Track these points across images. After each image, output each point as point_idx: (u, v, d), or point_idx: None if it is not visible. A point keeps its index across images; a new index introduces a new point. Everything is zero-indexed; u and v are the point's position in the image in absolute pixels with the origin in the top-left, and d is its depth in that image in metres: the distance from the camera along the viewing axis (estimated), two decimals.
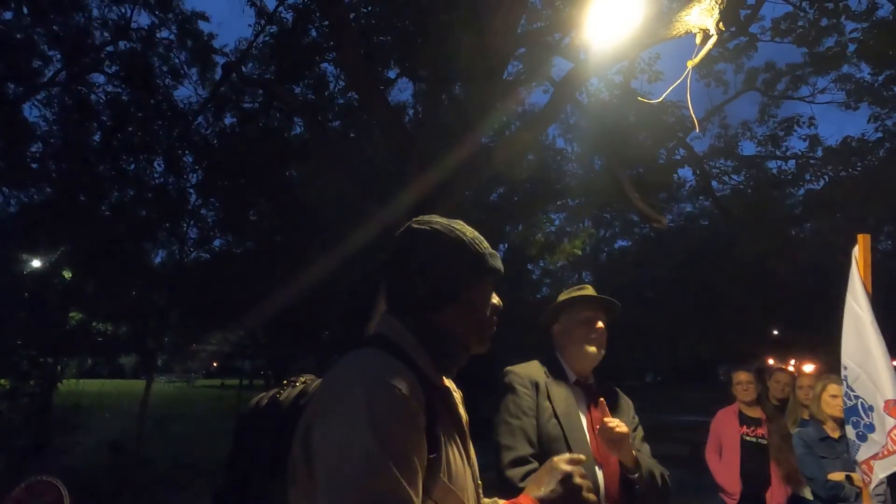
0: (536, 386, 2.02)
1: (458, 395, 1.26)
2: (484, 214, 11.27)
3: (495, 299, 1.24)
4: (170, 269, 10.49)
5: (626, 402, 2.20)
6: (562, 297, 2.21)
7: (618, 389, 2.25)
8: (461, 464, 1.11)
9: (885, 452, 2.65)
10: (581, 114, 9.77)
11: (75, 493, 3.46)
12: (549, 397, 2.00)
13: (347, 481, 0.91)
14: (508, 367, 2.10)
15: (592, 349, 2.08)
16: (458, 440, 1.14)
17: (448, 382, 1.24)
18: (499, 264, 1.24)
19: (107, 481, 7.17)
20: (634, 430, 2.14)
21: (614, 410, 2.13)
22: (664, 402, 25.37)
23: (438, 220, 1.23)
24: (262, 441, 1.12)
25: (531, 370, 2.08)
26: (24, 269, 8.95)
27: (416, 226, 1.22)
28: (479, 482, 1.24)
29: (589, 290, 2.19)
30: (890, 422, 2.65)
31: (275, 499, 1.06)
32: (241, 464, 1.14)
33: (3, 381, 7.39)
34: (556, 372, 2.11)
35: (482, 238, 1.25)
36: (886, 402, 2.68)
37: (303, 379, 1.22)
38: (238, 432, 1.19)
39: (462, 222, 1.26)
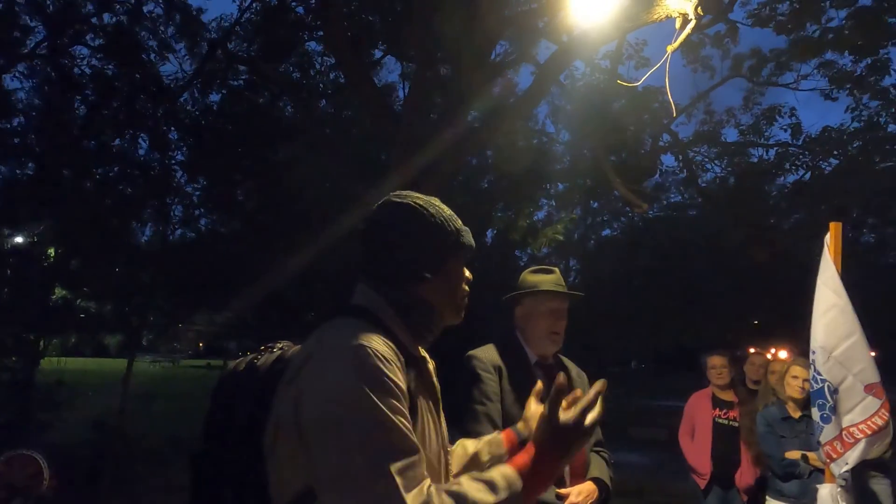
0: (499, 370, 2.08)
1: (431, 364, 1.31)
2: (471, 199, 11.28)
3: (467, 273, 1.30)
4: (155, 247, 10.40)
5: (583, 379, 2.28)
6: (528, 277, 2.24)
7: (574, 365, 2.32)
8: (433, 431, 1.16)
9: (871, 428, 2.72)
10: (567, 99, 9.78)
11: (57, 467, 3.47)
12: (511, 380, 2.07)
13: (350, 444, 0.94)
14: (471, 352, 2.15)
15: (555, 338, 2.16)
16: (432, 408, 1.19)
17: (422, 352, 1.29)
18: (471, 241, 1.30)
19: (89, 457, 7.18)
20: None
21: (573, 388, 2.18)
22: (647, 388, 25.75)
23: (417, 196, 1.27)
24: (239, 405, 1.14)
25: (492, 354, 2.13)
26: (7, 245, 8.86)
27: (396, 199, 1.26)
28: (449, 450, 1.30)
29: (556, 275, 2.23)
30: (875, 402, 2.75)
31: (249, 462, 1.07)
32: (217, 427, 1.16)
33: None
34: (517, 353, 2.17)
35: (456, 216, 1.31)
36: (869, 385, 2.76)
37: (280, 345, 1.25)
38: (215, 396, 1.21)
39: (438, 200, 1.30)
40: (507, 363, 2.10)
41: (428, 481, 0.97)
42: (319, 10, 5.68)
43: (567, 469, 1.98)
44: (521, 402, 2.01)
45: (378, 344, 1.04)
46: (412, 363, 1.13)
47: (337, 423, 0.96)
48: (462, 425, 2.02)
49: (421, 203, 1.25)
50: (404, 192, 1.29)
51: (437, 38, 5.16)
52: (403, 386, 1.04)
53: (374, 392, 0.97)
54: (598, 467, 2.04)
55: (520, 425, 1.47)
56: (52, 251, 9.09)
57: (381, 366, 1.00)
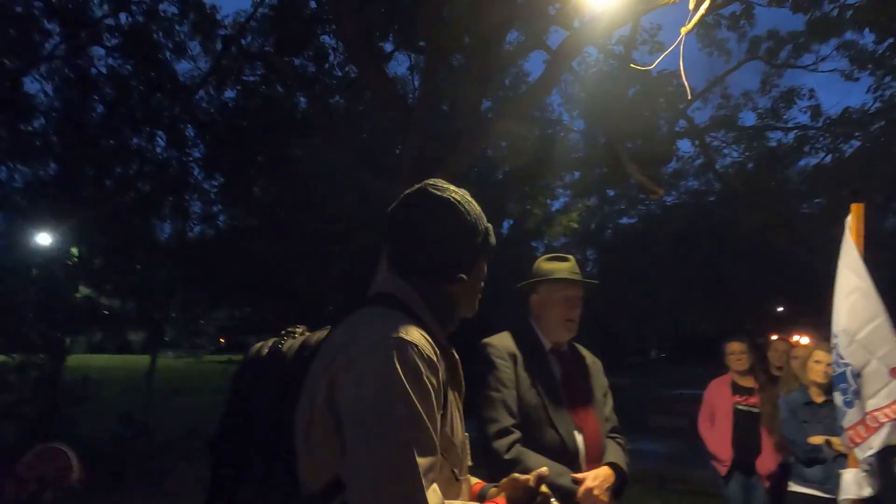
0: (514, 357, 2.09)
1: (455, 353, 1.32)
2: (486, 189, 11.24)
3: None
4: (175, 244, 10.54)
5: (597, 366, 2.28)
6: (543, 264, 2.23)
7: (589, 353, 2.32)
8: (458, 420, 1.18)
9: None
10: (580, 86, 9.69)
11: (84, 460, 3.54)
12: (526, 367, 2.08)
13: (385, 437, 0.95)
14: (485, 340, 2.16)
15: (570, 326, 2.16)
16: (457, 397, 1.21)
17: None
18: (494, 239, 1.31)
19: (114, 450, 7.33)
20: (604, 394, 2.22)
21: (587, 375, 2.19)
22: (667, 377, 25.53)
23: (454, 190, 1.25)
24: (265, 389, 1.13)
25: (507, 342, 2.14)
26: (32, 245, 9.04)
27: (435, 192, 1.22)
28: (467, 433, 1.29)
29: (571, 263, 2.23)
30: None
31: (274, 447, 1.07)
32: (241, 412, 1.15)
33: (15, 355, 7.51)
34: (532, 340, 2.18)
35: (482, 212, 1.31)
36: (894, 368, 2.71)
37: (300, 330, 1.25)
38: (238, 381, 1.20)
39: (469, 194, 1.29)
40: (522, 350, 2.11)
41: (435, 485, 0.99)
42: (332, 3, 5.67)
43: (583, 454, 1.98)
44: (536, 389, 2.03)
45: (417, 336, 1.04)
46: (443, 353, 1.13)
47: (375, 416, 0.96)
48: (478, 412, 2.02)
49: (458, 199, 1.23)
50: (441, 184, 1.25)
51: (446, 27, 5.14)
52: (439, 381, 1.05)
53: (413, 389, 0.97)
54: (614, 453, 2.04)
55: (492, 490, 1.31)
56: (75, 250, 9.26)
57: (420, 363, 1.00)
